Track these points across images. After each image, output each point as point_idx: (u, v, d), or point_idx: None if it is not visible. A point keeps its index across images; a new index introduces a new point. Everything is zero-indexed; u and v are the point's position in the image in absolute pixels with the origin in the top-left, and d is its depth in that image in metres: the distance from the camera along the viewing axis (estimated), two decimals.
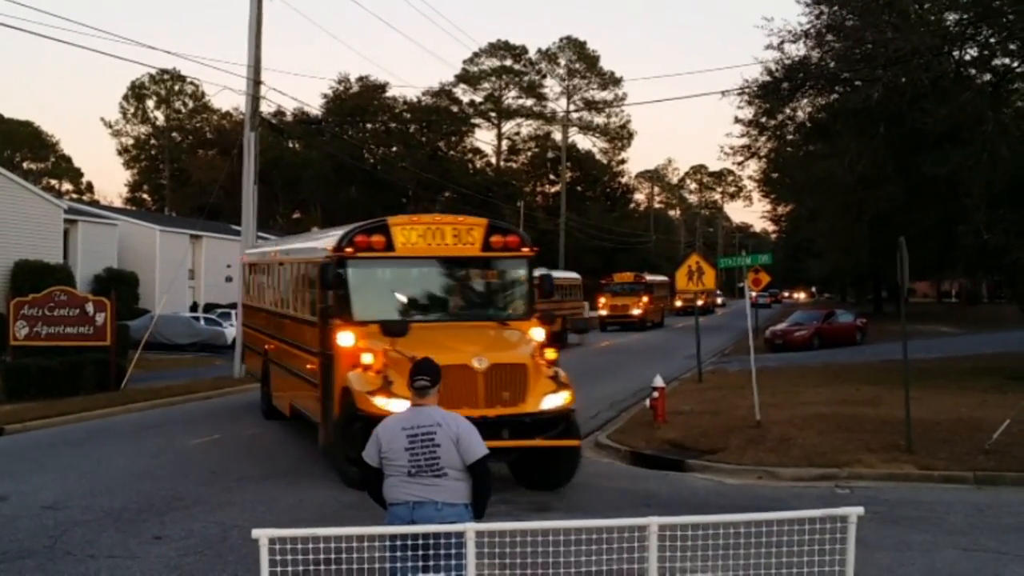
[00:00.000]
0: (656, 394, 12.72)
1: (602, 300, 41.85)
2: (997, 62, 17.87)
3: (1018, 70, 18.09)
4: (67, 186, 70.40)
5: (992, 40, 17.18)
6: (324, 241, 10.33)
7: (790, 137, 22.39)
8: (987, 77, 18.01)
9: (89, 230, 34.06)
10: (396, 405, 7.58)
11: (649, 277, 44.57)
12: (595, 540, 4.10)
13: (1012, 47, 17.26)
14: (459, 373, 7.90)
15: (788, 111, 20.56)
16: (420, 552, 4.05)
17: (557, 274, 31.80)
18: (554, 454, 8.58)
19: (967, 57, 17.79)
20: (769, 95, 19.65)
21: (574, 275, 36.88)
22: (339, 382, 9.04)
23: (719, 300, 66.28)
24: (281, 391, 12.53)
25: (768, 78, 19.39)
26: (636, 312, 40.36)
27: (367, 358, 8.67)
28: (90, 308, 17.23)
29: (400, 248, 9.27)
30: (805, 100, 20.23)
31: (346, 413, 8.74)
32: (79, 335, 17.08)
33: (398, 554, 4.11)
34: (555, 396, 8.56)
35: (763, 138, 21.94)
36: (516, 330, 9.27)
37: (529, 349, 8.80)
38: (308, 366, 10.51)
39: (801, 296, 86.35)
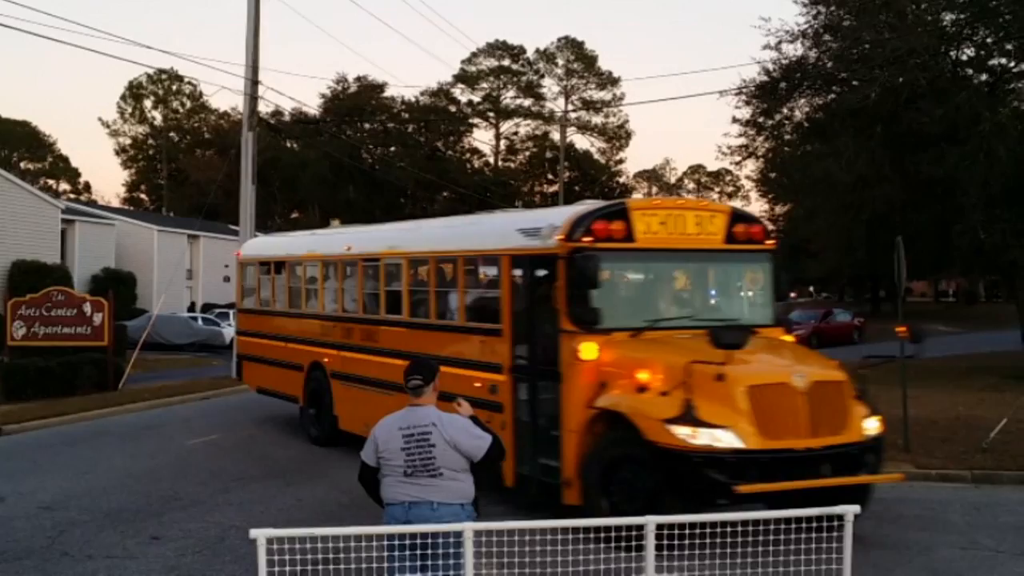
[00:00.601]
0: None
1: None
2: (994, 62, 17.93)
3: (1015, 70, 18.13)
4: (64, 186, 70.40)
5: (989, 40, 17.23)
6: (524, 225, 8.16)
7: (787, 137, 22.42)
8: (984, 77, 18.06)
9: (87, 230, 34.02)
10: (709, 436, 6.24)
11: None
12: (593, 539, 4.10)
13: (1009, 47, 17.32)
14: (779, 392, 6.48)
15: (785, 111, 20.61)
16: (418, 552, 4.06)
17: None
18: (840, 491, 6.12)
19: (964, 57, 17.84)
20: (767, 95, 19.68)
21: None
22: (582, 406, 7.08)
23: None
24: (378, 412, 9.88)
25: (766, 78, 19.43)
26: None
27: (644, 375, 6.78)
28: (88, 308, 17.21)
29: (641, 238, 7.64)
30: (803, 100, 20.28)
31: (615, 447, 6.88)
32: (77, 335, 17.06)
33: (396, 554, 4.11)
34: (872, 420, 6.99)
35: (761, 138, 21.98)
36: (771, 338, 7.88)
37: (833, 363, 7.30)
38: (476, 384, 8.00)
39: (793, 295, 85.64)
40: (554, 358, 7.39)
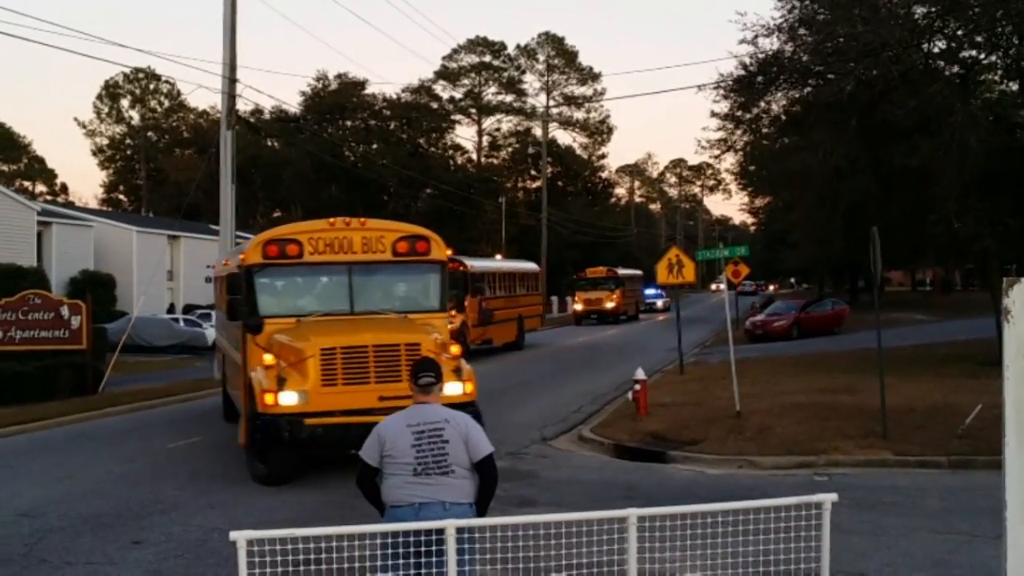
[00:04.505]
0: (638, 387, 12.81)
1: (577, 295, 42.55)
2: (965, 54, 18.13)
3: (985, 62, 18.37)
4: (41, 188, 69.35)
5: (959, 33, 17.43)
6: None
7: (765, 130, 22.56)
8: (955, 69, 18.27)
9: (64, 232, 33.57)
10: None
11: (622, 271, 45.01)
12: (576, 533, 4.13)
13: (979, 39, 17.53)
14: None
15: (763, 104, 20.72)
16: (423, 558, 3.89)
17: (502, 264, 29.23)
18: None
19: (935, 50, 18.03)
20: (744, 89, 19.79)
21: (528, 265, 32.59)
22: None
23: (659, 303, 51.69)
24: None
25: (743, 72, 19.52)
26: (610, 305, 41.22)
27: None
28: (65, 311, 16.99)
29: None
30: (779, 93, 20.40)
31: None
32: (54, 339, 16.84)
33: (400, 562, 3.92)
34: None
35: (739, 132, 22.09)
36: None
37: None
38: None
39: (771, 288, 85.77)
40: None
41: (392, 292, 10.21)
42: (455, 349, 9.21)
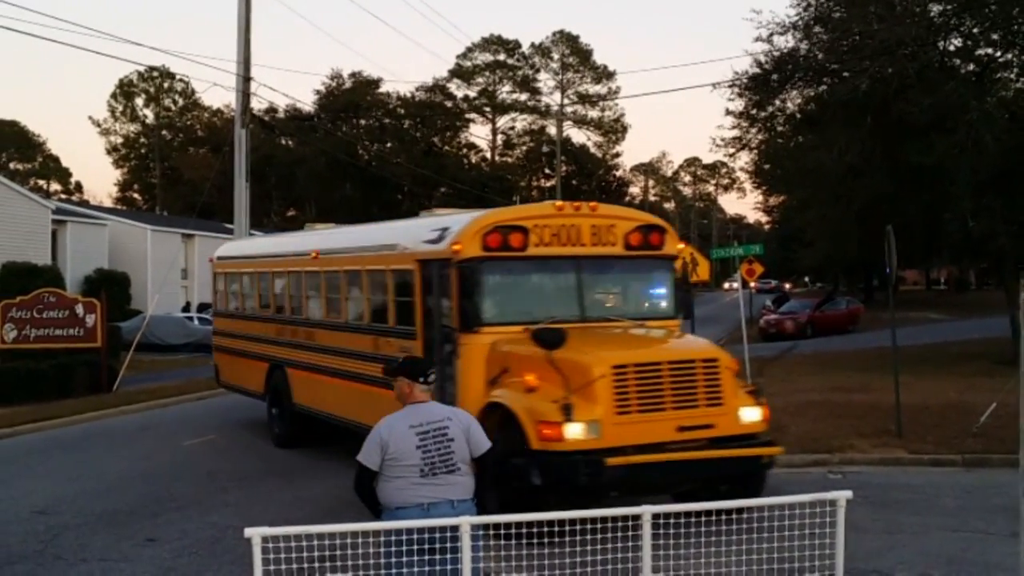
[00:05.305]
0: None
1: None
2: (980, 52, 18.00)
3: (1001, 60, 18.22)
4: (55, 186, 70.00)
5: (976, 30, 17.30)
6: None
7: (780, 128, 22.47)
8: (971, 67, 18.13)
9: (78, 230, 33.85)
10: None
11: None
12: (590, 530, 4.13)
13: (995, 37, 17.39)
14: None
15: (778, 103, 20.63)
16: (437, 555, 3.86)
17: None
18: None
19: (951, 47, 17.91)
20: (759, 87, 19.71)
21: None
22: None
23: None
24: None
25: (758, 70, 19.45)
26: None
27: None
28: (80, 309, 17.11)
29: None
30: (794, 92, 20.32)
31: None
32: (69, 337, 16.96)
33: (404, 559, 3.89)
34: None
35: (754, 130, 22.02)
36: None
37: None
38: None
39: (787, 286, 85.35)
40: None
41: (624, 294, 8.53)
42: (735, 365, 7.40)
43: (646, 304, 8.54)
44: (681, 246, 8.51)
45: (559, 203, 8.17)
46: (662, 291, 8.46)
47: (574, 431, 6.52)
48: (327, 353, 10.06)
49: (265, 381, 11.64)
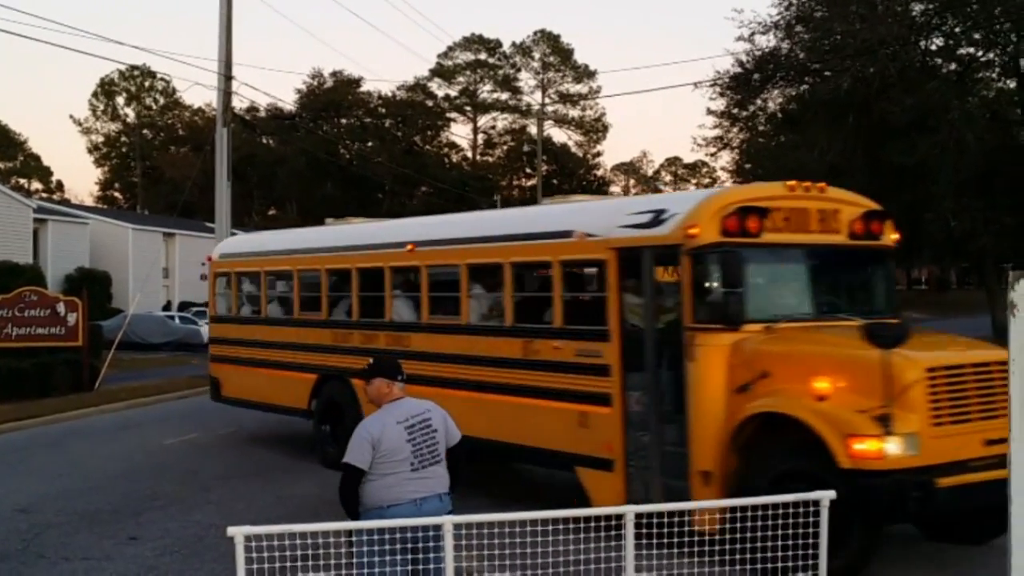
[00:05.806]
0: None
1: None
2: (962, 51, 18.20)
3: (982, 59, 18.43)
4: (36, 185, 69.13)
5: (957, 30, 17.50)
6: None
7: (761, 128, 22.64)
8: (953, 66, 18.33)
9: (59, 229, 33.49)
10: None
11: None
12: (573, 530, 4.14)
13: (976, 36, 17.60)
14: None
15: (759, 102, 20.80)
16: (420, 554, 3.87)
17: None
18: None
19: (933, 47, 18.12)
20: (740, 86, 19.85)
21: None
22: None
23: None
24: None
25: (739, 69, 19.58)
26: None
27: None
28: (61, 308, 16.96)
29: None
30: (776, 91, 20.48)
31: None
32: (50, 336, 16.81)
33: (386, 558, 3.87)
34: None
35: (735, 129, 22.18)
36: None
37: None
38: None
39: None
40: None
41: (847, 288, 7.52)
42: None
43: (869, 299, 7.56)
44: (895, 236, 7.58)
45: (791, 183, 7.11)
46: (884, 285, 7.63)
47: (894, 447, 5.53)
48: (429, 360, 8.42)
49: (311, 395, 10.05)
